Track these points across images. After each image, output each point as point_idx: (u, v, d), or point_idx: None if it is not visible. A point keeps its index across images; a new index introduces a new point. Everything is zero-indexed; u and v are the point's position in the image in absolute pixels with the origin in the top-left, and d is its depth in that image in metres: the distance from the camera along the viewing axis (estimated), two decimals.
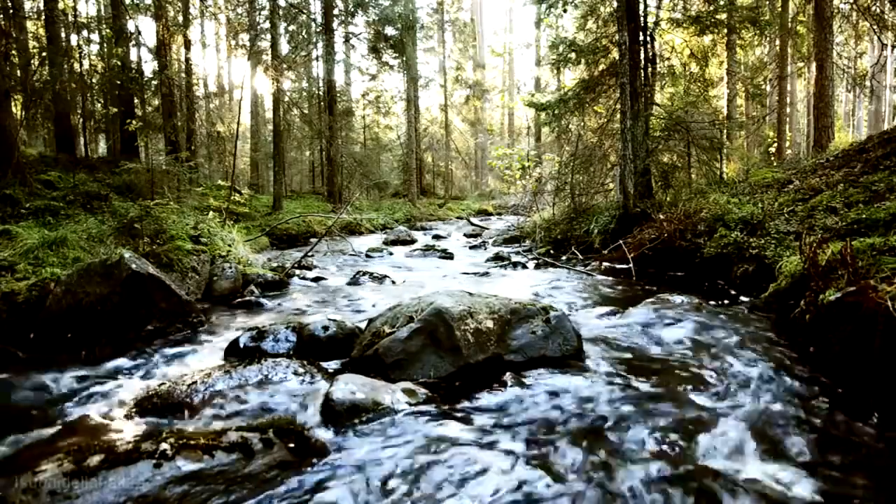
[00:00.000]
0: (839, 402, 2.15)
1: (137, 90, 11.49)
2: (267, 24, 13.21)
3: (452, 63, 26.62)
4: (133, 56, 12.15)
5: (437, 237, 11.93)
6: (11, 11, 8.56)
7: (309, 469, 1.73)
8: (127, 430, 2.03)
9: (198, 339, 3.41)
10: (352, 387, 2.20)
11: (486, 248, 9.43)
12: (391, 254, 8.71)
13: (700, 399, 2.26)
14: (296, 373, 2.47)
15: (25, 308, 3.40)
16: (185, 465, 1.63)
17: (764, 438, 1.91)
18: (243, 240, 6.62)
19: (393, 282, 5.75)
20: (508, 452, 1.83)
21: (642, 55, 8.42)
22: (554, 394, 2.31)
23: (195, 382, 2.32)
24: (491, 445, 1.88)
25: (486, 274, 6.25)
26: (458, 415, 2.14)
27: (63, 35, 11.08)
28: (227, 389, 2.30)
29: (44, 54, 9.12)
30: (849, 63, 13.99)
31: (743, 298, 4.19)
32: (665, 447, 1.85)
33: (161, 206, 5.06)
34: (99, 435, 1.99)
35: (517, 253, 8.18)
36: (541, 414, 2.13)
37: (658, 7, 9.20)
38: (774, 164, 10.86)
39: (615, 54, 8.30)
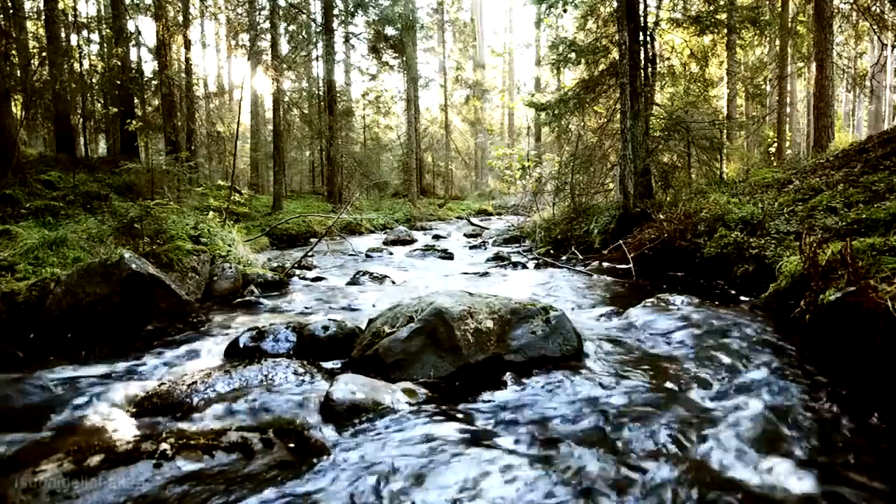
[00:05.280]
0: (839, 402, 2.15)
1: (137, 90, 11.49)
2: (267, 24, 13.22)
3: (452, 63, 26.62)
4: (133, 56, 12.17)
5: (437, 237, 11.92)
6: (11, 11, 8.56)
7: (309, 469, 1.73)
8: (127, 430, 2.03)
9: (198, 339, 3.41)
10: (352, 387, 2.20)
11: (485, 248, 9.43)
12: (391, 254, 8.71)
13: (700, 399, 2.26)
14: (296, 373, 2.47)
15: (25, 308, 3.40)
16: (185, 465, 1.63)
17: (764, 438, 1.91)
18: (243, 240, 6.62)
19: (393, 282, 5.75)
20: (508, 452, 1.83)
21: (642, 55, 8.42)
22: (554, 394, 2.31)
23: (195, 382, 2.32)
24: (491, 445, 1.88)
25: (486, 274, 6.25)
26: (459, 415, 2.14)
27: (63, 35, 11.09)
28: (227, 389, 2.30)
29: (44, 54, 9.12)
30: (849, 63, 13.99)
31: (743, 298, 4.19)
32: (665, 447, 1.85)
33: (161, 206, 5.06)
34: (99, 435, 1.99)
35: (517, 253, 8.18)
36: (541, 414, 2.13)
37: (658, 7, 9.20)
38: (774, 164, 10.87)
39: (615, 54, 8.29)
